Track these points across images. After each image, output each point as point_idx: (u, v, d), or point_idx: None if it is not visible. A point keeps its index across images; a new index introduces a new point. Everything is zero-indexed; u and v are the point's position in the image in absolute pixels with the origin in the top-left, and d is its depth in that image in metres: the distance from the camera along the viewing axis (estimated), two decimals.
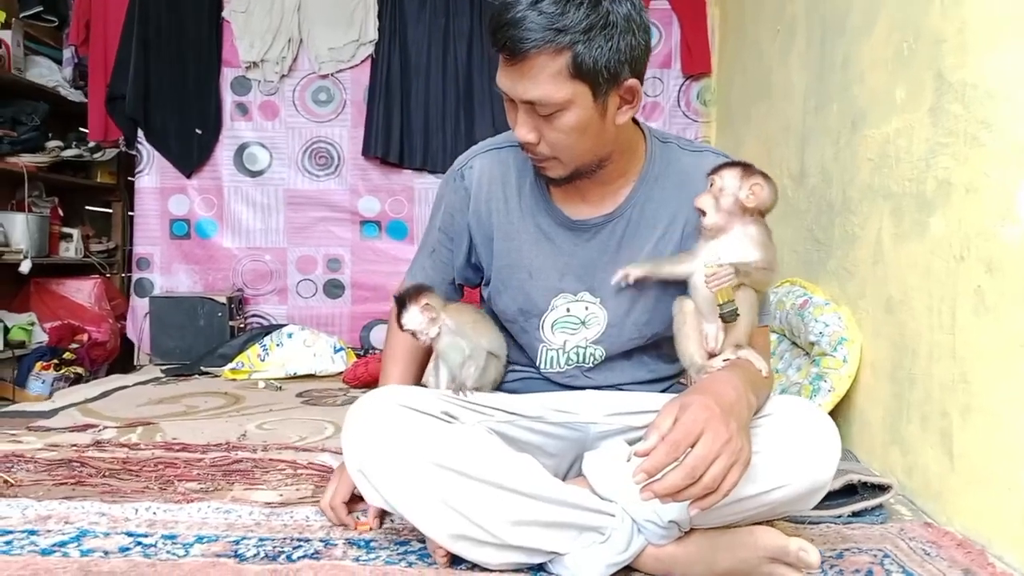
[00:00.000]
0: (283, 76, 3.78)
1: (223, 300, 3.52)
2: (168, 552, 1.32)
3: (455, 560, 1.29)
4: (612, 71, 1.16)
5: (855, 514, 1.56)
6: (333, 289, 3.87)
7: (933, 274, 1.64)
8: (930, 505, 1.61)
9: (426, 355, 1.58)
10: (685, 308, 1.32)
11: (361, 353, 3.58)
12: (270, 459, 1.88)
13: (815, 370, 2.06)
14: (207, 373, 3.22)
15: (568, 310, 1.41)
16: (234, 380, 3.11)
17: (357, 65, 3.78)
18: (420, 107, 3.75)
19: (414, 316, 1.39)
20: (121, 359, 3.78)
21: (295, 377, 3.16)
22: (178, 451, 1.93)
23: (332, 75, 3.79)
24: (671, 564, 1.25)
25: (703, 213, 1.28)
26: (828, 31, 2.29)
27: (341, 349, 3.33)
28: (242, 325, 3.64)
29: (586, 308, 1.40)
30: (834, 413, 1.97)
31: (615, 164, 1.34)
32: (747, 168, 1.28)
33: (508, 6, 1.14)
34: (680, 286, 1.33)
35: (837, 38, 2.21)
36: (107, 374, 3.53)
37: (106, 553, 1.31)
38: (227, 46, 3.76)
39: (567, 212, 1.39)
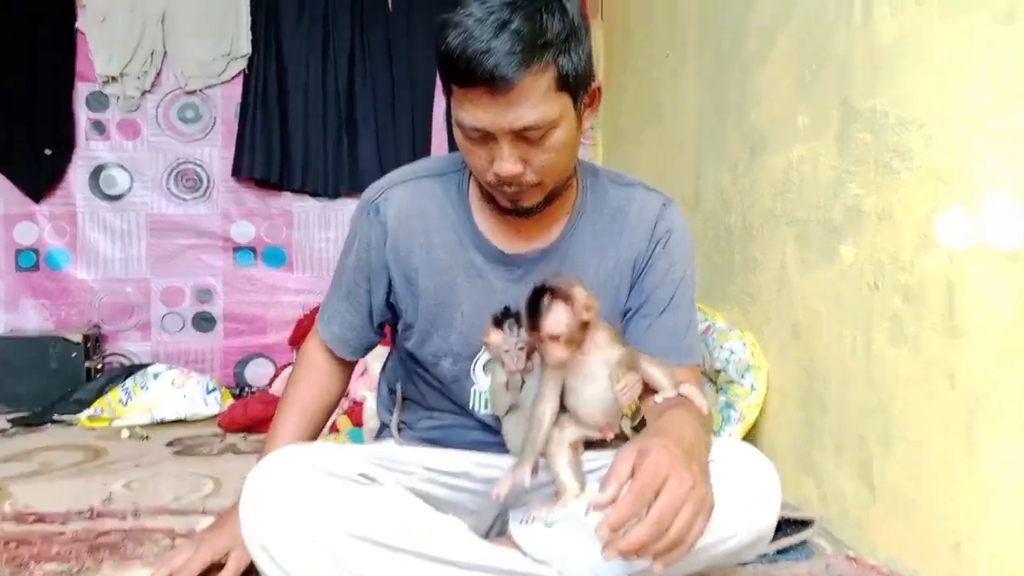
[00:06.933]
0: (145, 92, 3.48)
1: (78, 339, 3.17)
2: None
3: None
4: (585, 76, 1.11)
5: (779, 551, 1.52)
6: (203, 322, 3.58)
7: (844, 301, 1.63)
8: (847, 534, 1.59)
9: (330, 404, 1.43)
10: (554, 438, 1.18)
11: (236, 392, 3.31)
12: (143, 528, 1.64)
13: (723, 398, 2.03)
14: (61, 422, 2.86)
15: None
16: (93, 429, 2.78)
17: (228, 81, 3.53)
18: (299, 125, 3.52)
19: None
20: None
21: (163, 423, 2.86)
22: (32, 523, 1.67)
23: (200, 91, 3.52)
24: None
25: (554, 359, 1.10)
26: (722, 56, 2.29)
27: (215, 389, 3.05)
28: (99, 366, 3.30)
29: None
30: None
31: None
32: (545, 308, 1.08)
33: (471, 39, 1.02)
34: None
35: (732, 63, 2.21)
36: None
37: None
38: (82, 58, 3.42)
39: (499, 246, 1.28)
